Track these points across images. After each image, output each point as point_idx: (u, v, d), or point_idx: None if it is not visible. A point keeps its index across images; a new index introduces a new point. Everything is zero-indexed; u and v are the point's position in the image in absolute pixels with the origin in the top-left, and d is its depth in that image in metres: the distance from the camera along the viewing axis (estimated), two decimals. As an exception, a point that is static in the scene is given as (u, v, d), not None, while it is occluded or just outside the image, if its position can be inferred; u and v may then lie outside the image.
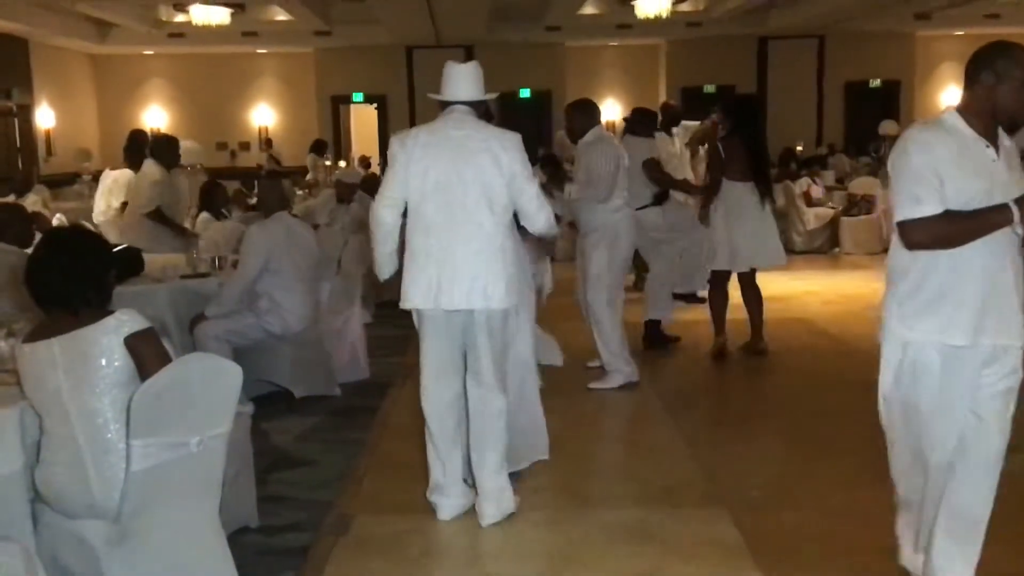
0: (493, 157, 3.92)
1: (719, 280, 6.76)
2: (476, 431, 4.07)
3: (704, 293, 7.36)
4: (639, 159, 6.85)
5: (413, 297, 3.94)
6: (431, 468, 4.13)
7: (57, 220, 8.97)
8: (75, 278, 2.97)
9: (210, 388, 3.05)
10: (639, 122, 7.48)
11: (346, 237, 7.19)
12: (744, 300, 6.78)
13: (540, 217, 4.04)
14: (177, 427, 2.95)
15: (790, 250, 11.93)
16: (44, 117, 15.74)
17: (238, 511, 3.81)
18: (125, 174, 8.83)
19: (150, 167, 7.45)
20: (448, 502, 4.09)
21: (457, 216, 3.89)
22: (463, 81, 4.06)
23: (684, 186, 7.64)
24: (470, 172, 3.90)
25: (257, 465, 4.06)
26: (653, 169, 7.02)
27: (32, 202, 9.41)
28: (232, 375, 3.09)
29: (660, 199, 7.22)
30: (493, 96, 4.19)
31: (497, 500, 4.06)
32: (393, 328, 7.98)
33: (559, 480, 4.47)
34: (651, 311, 7.15)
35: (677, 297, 7.63)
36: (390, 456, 4.96)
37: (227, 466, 3.17)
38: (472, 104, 4.06)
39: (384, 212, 3.99)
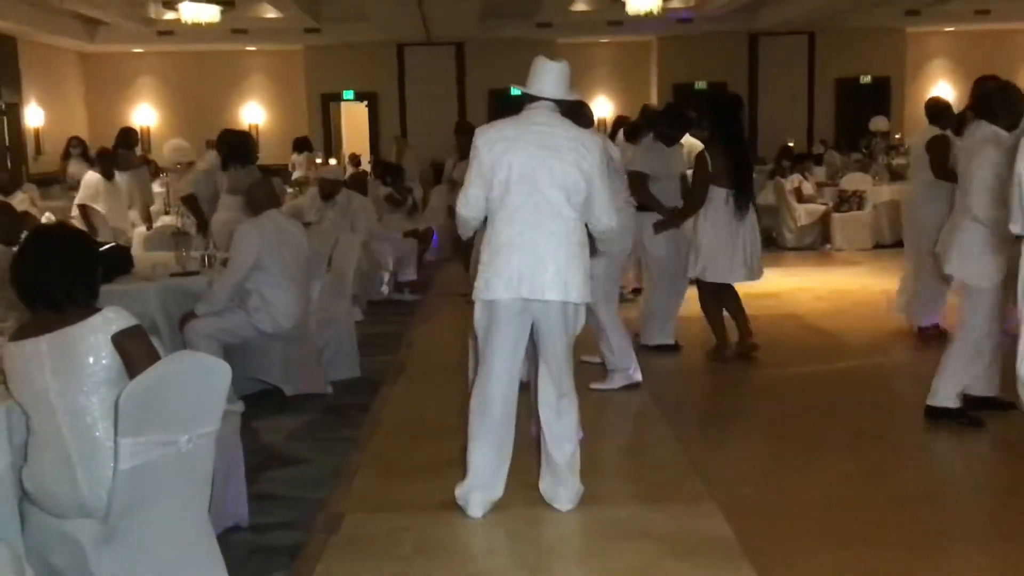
0: (579, 155, 3.98)
1: (708, 290, 6.58)
2: (552, 424, 4.12)
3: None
4: (670, 168, 6.75)
5: (496, 287, 3.94)
6: (474, 464, 4.09)
7: (46, 219, 8.92)
8: (61, 275, 2.95)
9: (198, 386, 3.02)
10: (665, 125, 7.04)
11: (336, 234, 7.16)
12: (723, 304, 6.67)
13: (605, 219, 4.08)
14: (165, 425, 2.92)
15: (781, 246, 12.04)
16: (33, 116, 15.67)
17: (228, 509, 3.79)
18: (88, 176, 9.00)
19: (209, 157, 7.77)
20: (483, 497, 4.09)
21: (541, 207, 3.93)
22: (554, 78, 4.07)
23: (659, 208, 6.86)
24: (557, 165, 3.94)
25: (248, 463, 4.03)
26: (632, 182, 6.53)
27: (20, 200, 9.35)
28: (220, 373, 3.06)
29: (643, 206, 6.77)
30: (577, 97, 4.23)
31: (575, 486, 4.16)
32: (384, 326, 7.99)
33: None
34: (645, 336, 7.00)
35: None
36: (382, 454, 4.94)
37: (217, 464, 3.15)
38: (558, 102, 4.10)
39: (467, 213, 4.05)
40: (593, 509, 4.14)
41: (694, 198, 6.49)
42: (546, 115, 4.06)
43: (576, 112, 6.01)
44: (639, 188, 6.68)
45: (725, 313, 6.72)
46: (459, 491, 4.13)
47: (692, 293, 6.86)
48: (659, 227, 6.74)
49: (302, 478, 4.59)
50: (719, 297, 6.60)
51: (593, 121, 6.22)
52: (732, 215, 6.28)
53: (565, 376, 4.13)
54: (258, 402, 5.54)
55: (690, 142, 8.94)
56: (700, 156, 6.46)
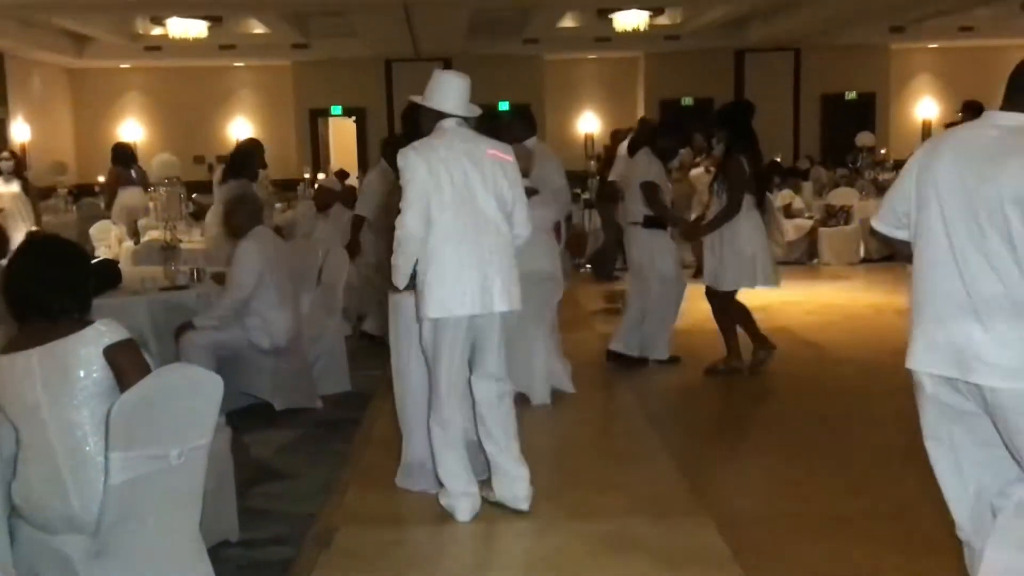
0: (502, 167, 4.11)
1: (729, 298, 6.47)
2: (496, 423, 4.20)
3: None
4: (651, 177, 6.68)
5: (449, 305, 4.00)
6: (452, 475, 4.14)
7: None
8: (55, 286, 2.94)
9: (190, 399, 3.00)
10: (666, 139, 6.90)
11: (326, 249, 7.13)
12: (731, 317, 6.61)
13: (523, 229, 4.21)
14: (156, 439, 2.90)
15: (769, 260, 12.06)
16: (19, 131, 15.59)
17: (218, 524, 3.75)
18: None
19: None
20: (471, 502, 4.15)
21: (479, 223, 4.03)
22: (462, 96, 4.16)
23: (673, 218, 6.89)
24: (487, 180, 4.05)
25: (237, 478, 3.99)
26: (648, 192, 6.57)
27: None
28: (212, 386, 3.04)
29: (652, 222, 6.76)
30: (479, 113, 4.29)
31: (527, 481, 4.22)
32: (373, 340, 7.94)
33: (544, 491, 4.42)
34: (650, 351, 6.87)
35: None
36: (373, 468, 4.91)
37: (207, 479, 3.13)
38: (466, 118, 4.18)
39: (414, 224, 4.01)
40: (586, 522, 4.12)
41: (731, 207, 6.27)
42: (462, 132, 4.13)
43: (524, 117, 6.04)
44: (654, 199, 6.64)
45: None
46: (444, 500, 4.18)
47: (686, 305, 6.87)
48: (688, 235, 6.77)
49: (293, 492, 4.56)
50: (739, 310, 6.54)
51: (535, 128, 6.10)
52: (756, 222, 6.30)
53: (504, 378, 4.23)
54: (248, 416, 5.51)
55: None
56: (735, 163, 6.26)
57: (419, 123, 4.26)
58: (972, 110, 8.30)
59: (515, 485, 4.22)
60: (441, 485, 4.23)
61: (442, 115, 4.13)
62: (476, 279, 4.00)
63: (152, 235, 8.80)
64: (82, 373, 2.86)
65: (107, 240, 9.63)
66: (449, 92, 4.14)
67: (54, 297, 2.93)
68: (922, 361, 2.72)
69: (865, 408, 5.87)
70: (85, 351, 2.87)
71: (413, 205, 4.00)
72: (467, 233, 4.01)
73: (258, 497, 4.45)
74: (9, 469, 2.99)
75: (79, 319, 2.94)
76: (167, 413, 2.93)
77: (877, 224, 2.93)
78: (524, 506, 4.19)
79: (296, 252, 7.06)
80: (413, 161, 4.02)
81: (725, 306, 6.55)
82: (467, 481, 4.17)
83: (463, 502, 4.13)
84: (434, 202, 3.98)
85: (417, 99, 4.24)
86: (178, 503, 3.02)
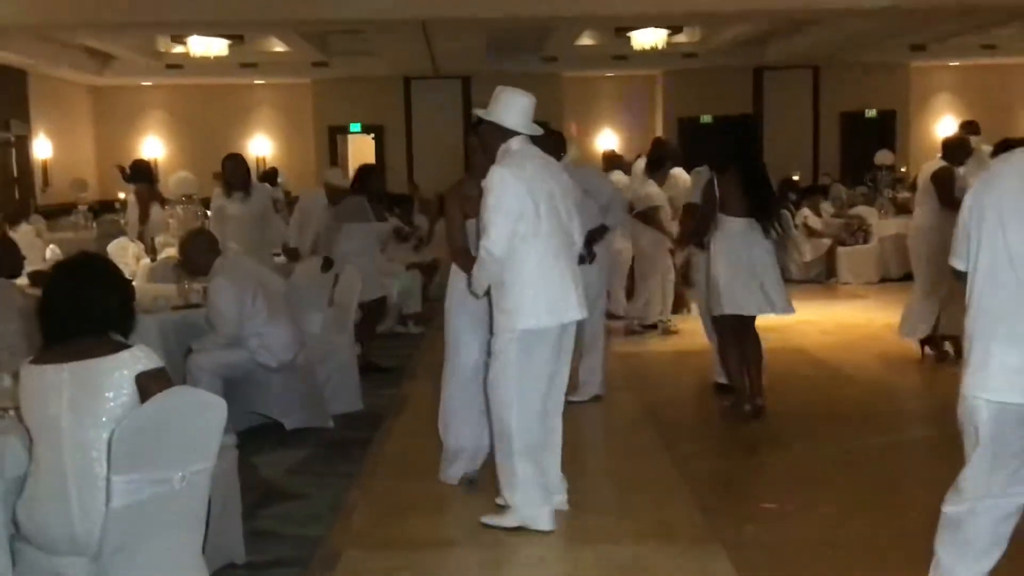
0: (568, 182, 4.34)
1: (727, 327, 6.11)
2: (554, 448, 4.37)
3: None
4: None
5: (542, 315, 4.11)
6: (531, 487, 4.16)
7: (50, 252, 8.94)
8: (115, 301, 3.00)
9: (193, 423, 2.99)
10: (715, 151, 6.62)
11: (339, 268, 7.13)
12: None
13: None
14: (159, 462, 2.89)
15: (786, 279, 11.91)
16: (41, 148, 15.74)
17: (224, 547, 3.72)
18: None
19: None
20: (551, 509, 4.20)
21: (561, 236, 4.22)
22: (529, 115, 4.25)
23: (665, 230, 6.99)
24: (565, 194, 4.25)
25: (245, 499, 3.98)
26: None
27: (24, 232, 9.37)
28: (216, 409, 3.03)
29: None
30: (541, 131, 4.41)
31: (565, 493, 4.42)
32: (388, 359, 7.93)
33: (554, 515, 4.39)
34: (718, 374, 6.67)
35: None
36: (381, 490, 4.89)
37: (213, 501, 3.12)
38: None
39: (500, 252, 4.05)
40: (595, 547, 4.08)
41: (699, 226, 6.18)
42: (534, 149, 4.24)
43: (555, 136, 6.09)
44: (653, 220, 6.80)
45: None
46: (526, 511, 4.16)
47: (694, 326, 6.79)
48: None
49: (300, 514, 4.54)
50: (740, 342, 6.11)
51: (566, 147, 6.16)
52: (745, 244, 5.91)
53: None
54: (258, 436, 5.49)
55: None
56: (708, 185, 6.09)
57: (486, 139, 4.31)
58: (971, 129, 8.67)
59: (556, 497, 4.34)
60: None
61: (508, 132, 4.18)
62: (568, 289, 4.16)
63: (169, 252, 8.83)
64: (111, 395, 2.87)
65: (125, 258, 9.65)
66: (517, 110, 4.20)
67: (113, 311, 2.99)
68: (994, 389, 2.70)
69: (878, 431, 5.80)
70: (119, 373, 2.88)
71: (498, 225, 4.04)
72: (563, 246, 4.21)
73: (266, 519, 4.43)
74: (13, 491, 2.99)
75: (116, 341, 2.96)
76: (170, 437, 2.92)
77: (956, 263, 2.89)
78: (563, 507, 4.35)
79: (309, 271, 7.10)
80: (509, 181, 4.06)
81: (725, 339, 6.21)
82: (546, 491, 4.22)
83: (545, 511, 4.17)
84: (530, 219, 4.07)
85: (482, 113, 4.29)
86: (180, 527, 3.00)
